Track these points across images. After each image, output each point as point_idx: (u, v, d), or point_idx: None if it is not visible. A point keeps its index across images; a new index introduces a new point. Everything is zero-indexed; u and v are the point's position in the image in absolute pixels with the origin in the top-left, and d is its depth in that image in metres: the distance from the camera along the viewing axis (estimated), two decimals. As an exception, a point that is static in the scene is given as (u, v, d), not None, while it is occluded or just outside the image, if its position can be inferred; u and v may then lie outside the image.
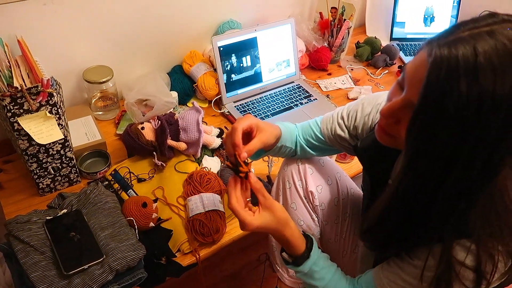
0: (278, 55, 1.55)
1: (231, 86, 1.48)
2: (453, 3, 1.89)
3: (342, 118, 0.96)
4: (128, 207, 1.04)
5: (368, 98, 0.94)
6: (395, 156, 0.84)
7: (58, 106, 1.01)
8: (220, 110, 1.49)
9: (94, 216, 1.02)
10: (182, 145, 1.21)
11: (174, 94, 1.42)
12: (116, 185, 1.17)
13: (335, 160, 1.32)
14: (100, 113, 1.41)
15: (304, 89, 1.59)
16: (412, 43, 1.94)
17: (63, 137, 1.05)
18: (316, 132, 1.00)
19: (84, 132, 1.27)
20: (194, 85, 1.50)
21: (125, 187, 1.16)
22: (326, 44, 1.73)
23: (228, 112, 1.47)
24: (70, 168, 1.14)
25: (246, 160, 0.81)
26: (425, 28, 1.92)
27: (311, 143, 1.01)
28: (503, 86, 0.51)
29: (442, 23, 1.92)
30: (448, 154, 0.57)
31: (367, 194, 0.93)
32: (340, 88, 1.65)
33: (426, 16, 1.92)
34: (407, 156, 0.63)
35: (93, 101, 1.39)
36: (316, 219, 1.06)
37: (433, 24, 1.93)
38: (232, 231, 1.10)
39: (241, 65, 1.48)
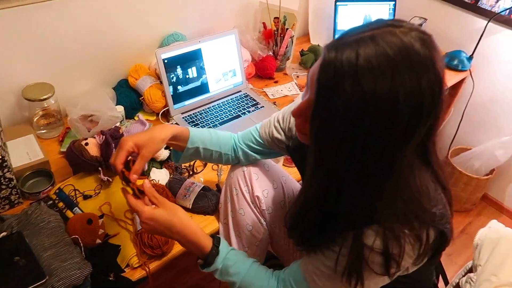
0: (224, 65, 1.58)
1: (178, 97, 1.49)
2: (389, 10, 2.00)
3: (278, 121, 1.01)
4: (72, 225, 1.02)
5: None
6: None
7: (-8, 126, 0.98)
8: (168, 122, 1.49)
9: (36, 237, 0.99)
10: (128, 159, 1.20)
11: (120, 108, 1.41)
12: (61, 204, 1.14)
13: (283, 165, 1.36)
14: (43, 131, 1.37)
15: (252, 97, 1.62)
16: (354, 49, 2.02)
17: (0, 157, 1.01)
18: (256, 137, 1.05)
19: (26, 151, 1.23)
20: (140, 98, 1.49)
21: (70, 205, 1.13)
22: (271, 53, 1.78)
23: (176, 123, 1.47)
24: (10, 190, 1.10)
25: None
26: (365, 35, 2.02)
27: (252, 147, 1.05)
28: (383, 86, 0.56)
29: (381, 30, 2.02)
30: (344, 150, 0.62)
31: None
32: (286, 95, 1.70)
33: (365, 23, 2.01)
34: (311, 153, 0.68)
35: (34, 119, 1.35)
36: (264, 223, 1.08)
37: (372, 31, 2.03)
38: (182, 241, 1.10)
39: (187, 76, 1.49)
